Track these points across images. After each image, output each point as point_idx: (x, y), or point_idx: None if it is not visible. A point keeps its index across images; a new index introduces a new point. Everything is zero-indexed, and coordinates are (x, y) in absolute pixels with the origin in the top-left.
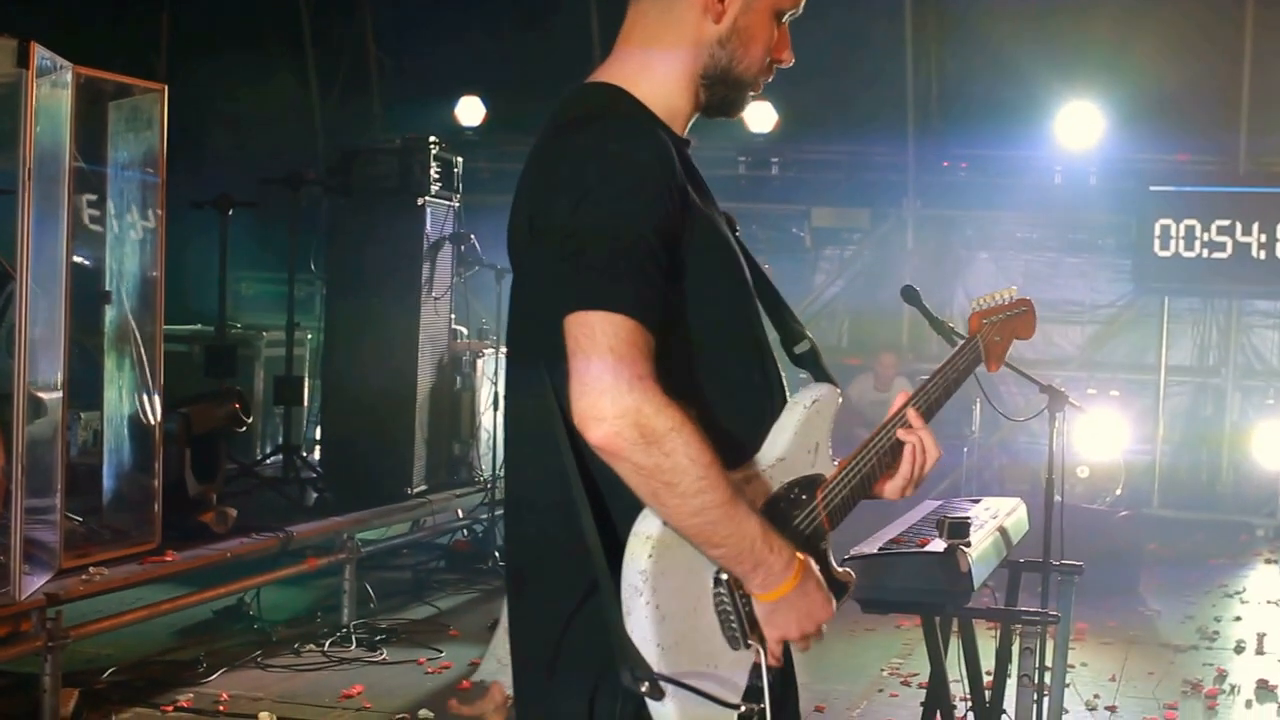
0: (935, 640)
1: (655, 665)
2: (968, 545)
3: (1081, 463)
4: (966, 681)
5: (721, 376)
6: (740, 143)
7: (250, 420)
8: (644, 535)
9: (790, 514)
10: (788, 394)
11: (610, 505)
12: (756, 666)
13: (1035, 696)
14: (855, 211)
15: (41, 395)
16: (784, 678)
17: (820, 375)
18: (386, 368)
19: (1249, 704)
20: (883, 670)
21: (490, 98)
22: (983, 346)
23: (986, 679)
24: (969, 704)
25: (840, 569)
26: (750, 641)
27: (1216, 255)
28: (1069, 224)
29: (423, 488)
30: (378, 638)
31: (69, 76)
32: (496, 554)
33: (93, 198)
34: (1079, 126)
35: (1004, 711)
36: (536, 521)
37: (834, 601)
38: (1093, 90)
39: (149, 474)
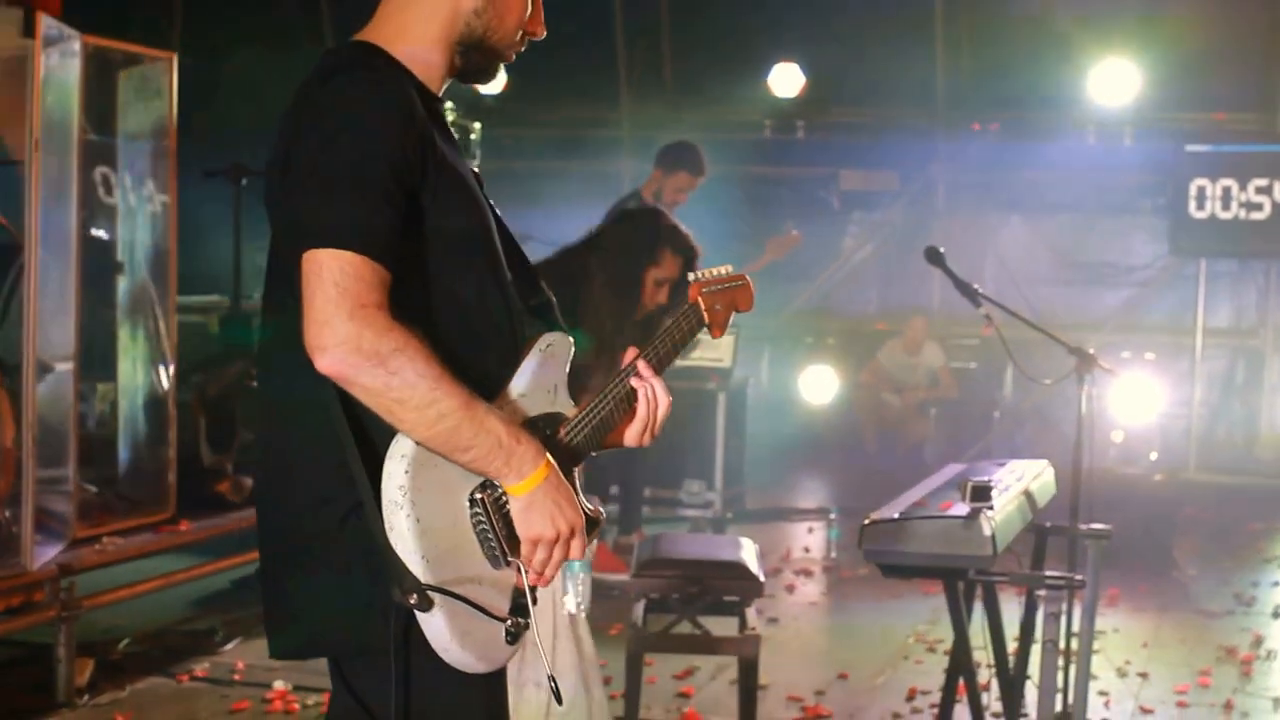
0: (958, 606)
1: (421, 577)
2: (991, 509)
3: (1117, 426)
4: (990, 648)
5: (464, 314)
6: (767, 106)
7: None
8: (399, 455)
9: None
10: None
11: (372, 434)
12: (519, 586)
13: (1062, 663)
14: (884, 174)
15: (56, 364)
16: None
17: (553, 325)
18: None
19: None
20: (909, 637)
21: (511, 66)
22: (705, 311)
23: (1012, 645)
24: (993, 670)
25: (590, 507)
26: (510, 559)
27: (1254, 216)
28: (1103, 185)
29: None
30: None
31: (77, 46)
32: None
33: (106, 170)
34: (1113, 85)
35: (1028, 678)
36: (295, 453)
37: (581, 512)
38: (1128, 48)
39: (163, 444)
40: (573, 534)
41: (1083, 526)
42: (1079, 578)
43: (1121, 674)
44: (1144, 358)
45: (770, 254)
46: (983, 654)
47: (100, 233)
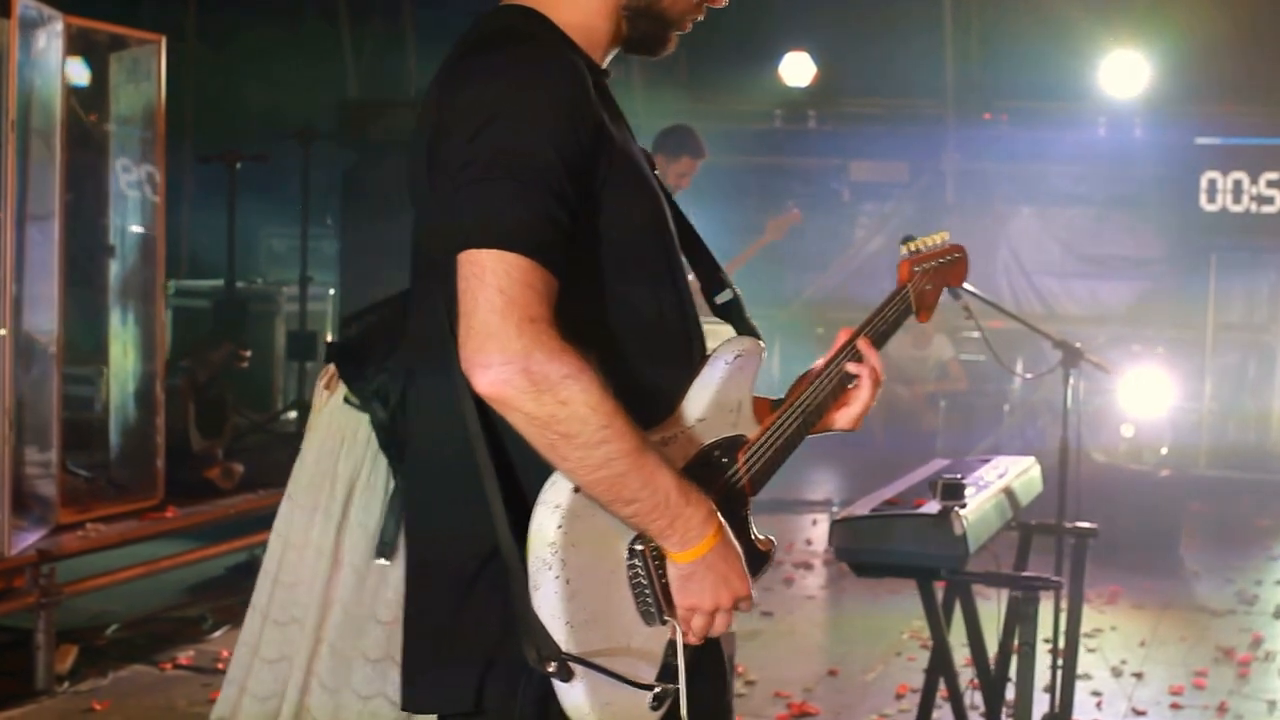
0: (933, 606)
1: (564, 644)
2: (963, 507)
3: (1127, 421)
4: (970, 648)
5: (637, 326)
6: (778, 96)
7: (249, 355)
8: (552, 504)
9: (710, 479)
10: (708, 348)
11: (519, 471)
12: (672, 644)
13: (1054, 663)
14: (894, 165)
15: (38, 346)
16: (710, 657)
17: (743, 328)
18: None
19: None
20: (903, 633)
21: None
22: (913, 296)
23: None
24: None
25: (762, 538)
26: (666, 617)
27: (1265, 209)
28: (1114, 178)
29: None
30: None
31: (60, 27)
32: None
33: (128, 162)
34: (1124, 76)
35: (1009, 679)
36: (435, 484)
37: (750, 578)
38: (1138, 39)
39: (153, 429)
40: (733, 604)
41: (1068, 524)
42: (1055, 578)
43: (1116, 674)
44: (1154, 352)
45: (770, 234)
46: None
47: (137, 228)
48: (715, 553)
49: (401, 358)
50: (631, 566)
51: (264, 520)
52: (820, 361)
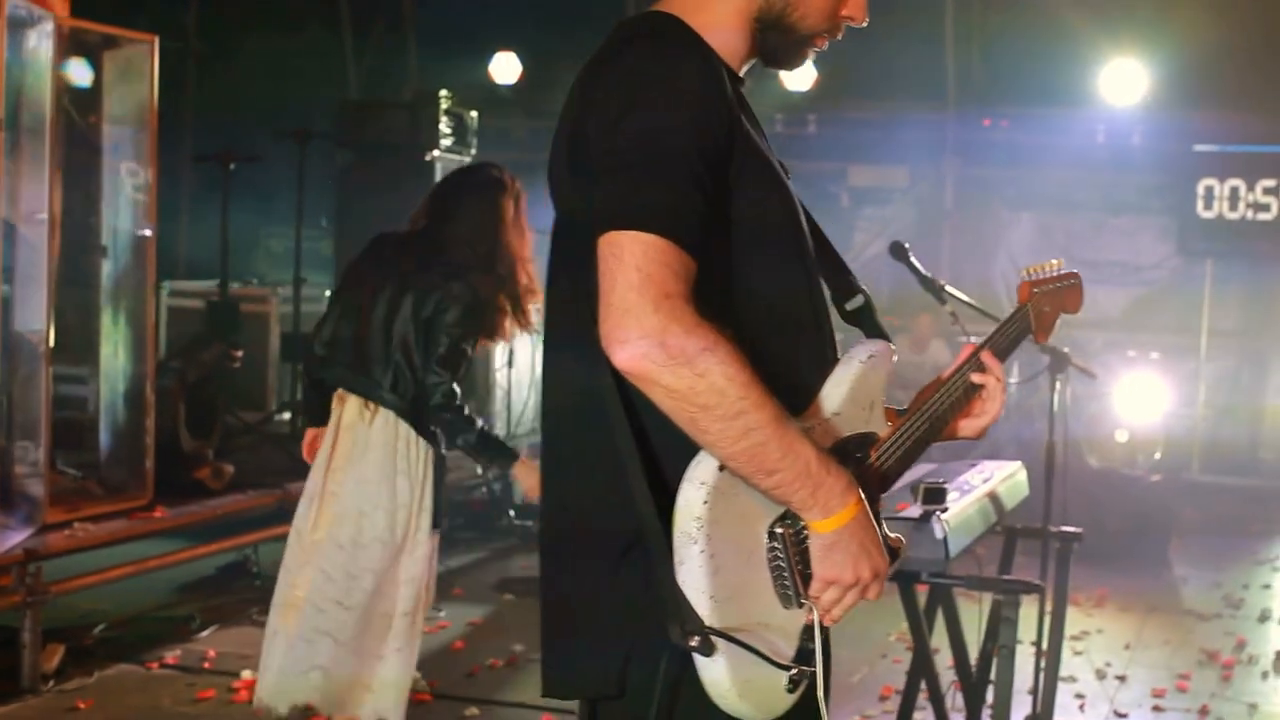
0: (914, 609)
1: (707, 619)
2: (944, 511)
3: (1121, 426)
4: (951, 651)
5: (777, 320)
6: (778, 100)
7: (240, 355)
8: (698, 480)
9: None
10: (839, 350)
11: (659, 455)
12: (808, 627)
13: (1037, 665)
14: (893, 170)
15: (28, 345)
16: (826, 645)
17: (874, 331)
18: None
19: (1265, 675)
20: (890, 635)
21: (526, 58)
22: (1032, 315)
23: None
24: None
25: (892, 535)
26: (804, 600)
27: (1261, 217)
28: (1112, 184)
29: None
30: None
31: (50, 26)
32: (512, 512)
33: (134, 165)
34: (1123, 83)
35: (990, 681)
36: (577, 471)
37: (886, 557)
38: (1137, 47)
39: (143, 429)
40: (873, 579)
41: (1053, 528)
42: (1036, 582)
43: (1100, 676)
44: (1149, 357)
45: None
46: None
47: (130, 228)
48: (857, 521)
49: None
50: (771, 549)
51: (254, 521)
52: (945, 373)
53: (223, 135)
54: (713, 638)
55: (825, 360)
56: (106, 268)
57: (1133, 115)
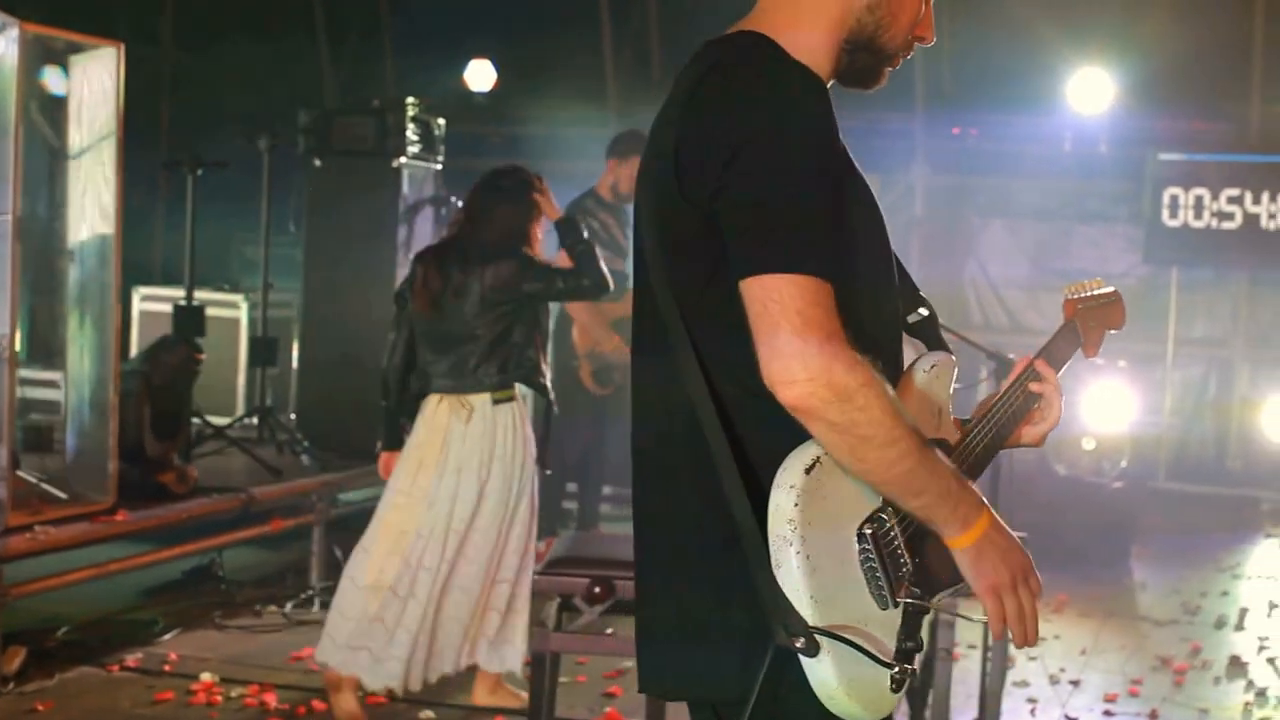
0: None
1: (810, 619)
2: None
3: (1088, 434)
4: None
5: (873, 333)
6: None
7: (203, 359)
8: (787, 485)
9: None
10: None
11: (755, 465)
12: (904, 629)
13: (983, 670)
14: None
15: None
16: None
17: (936, 344)
18: (361, 329)
19: (1217, 680)
20: None
21: (499, 63)
22: (1080, 329)
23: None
24: None
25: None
26: (899, 599)
27: (1225, 225)
28: (1080, 192)
29: None
30: None
31: (15, 33)
32: None
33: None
34: (1090, 92)
35: (931, 686)
36: (676, 482)
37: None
38: (1104, 56)
39: (106, 433)
40: (1025, 572)
41: None
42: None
43: (1054, 681)
44: (1116, 365)
45: None
46: None
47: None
48: (993, 527)
49: None
50: (863, 550)
51: (218, 524)
52: (1004, 384)
53: (198, 141)
54: (817, 637)
55: (899, 376)
56: (73, 273)
57: (1099, 123)
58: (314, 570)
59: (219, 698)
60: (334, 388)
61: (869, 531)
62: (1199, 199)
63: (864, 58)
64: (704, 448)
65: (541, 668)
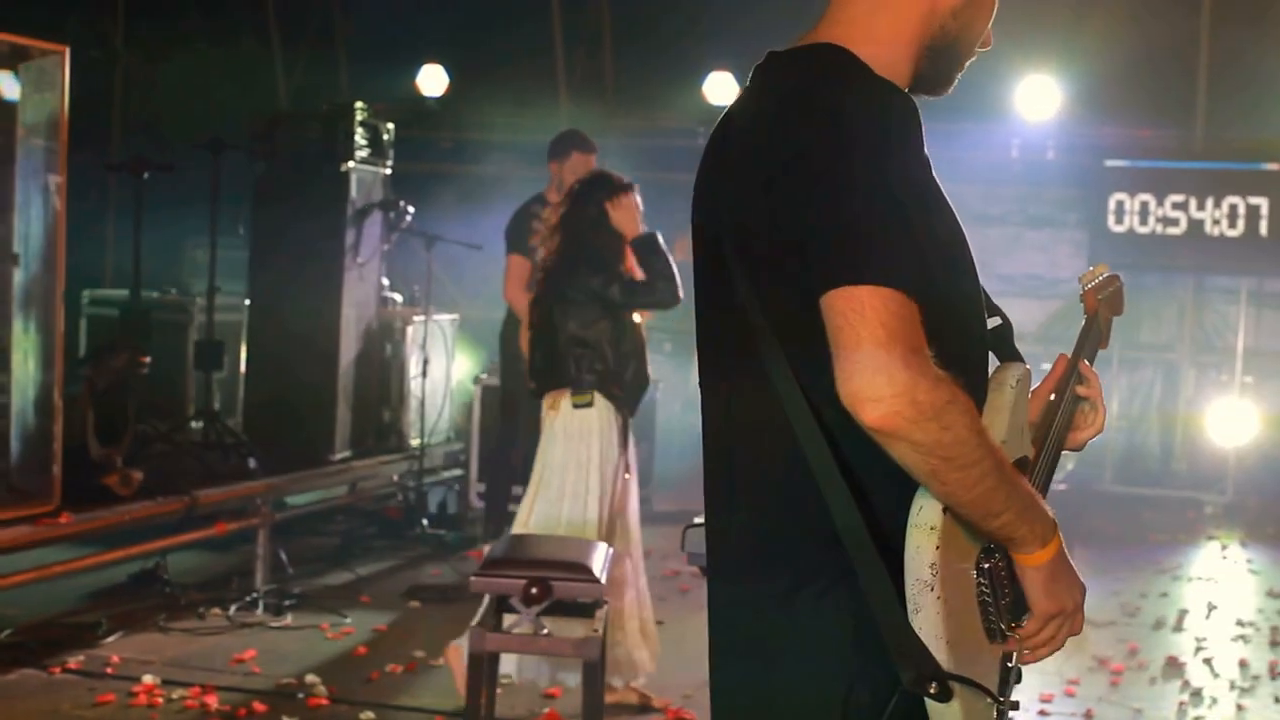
0: None
1: (945, 663)
2: None
3: None
4: None
5: (951, 352)
6: (700, 113)
7: (148, 363)
8: (928, 526)
9: None
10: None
11: (868, 493)
12: (1004, 659)
13: None
14: None
15: None
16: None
17: (1011, 353)
18: (309, 333)
19: (1153, 681)
20: None
21: (453, 69)
22: (1102, 324)
23: None
24: None
25: None
26: (1009, 633)
27: (1171, 231)
28: (1028, 198)
29: (347, 454)
30: (286, 603)
31: None
32: (425, 521)
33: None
34: (1037, 99)
35: None
36: (760, 508)
37: None
38: (1051, 63)
39: (50, 436)
40: (1079, 607)
41: None
42: None
43: None
44: None
45: (679, 254)
46: None
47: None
48: (1062, 551)
49: None
50: (980, 585)
51: (163, 527)
52: (1047, 385)
53: (149, 145)
54: (950, 683)
55: (985, 390)
56: (18, 276)
57: (1047, 130)
58: (259, 573)
59: (160, 700)
60: (281, 391)
61: (988, 565)
62: (1145, 205)
63: (944, 63)
64: (799, 468)
65: (478, 667)
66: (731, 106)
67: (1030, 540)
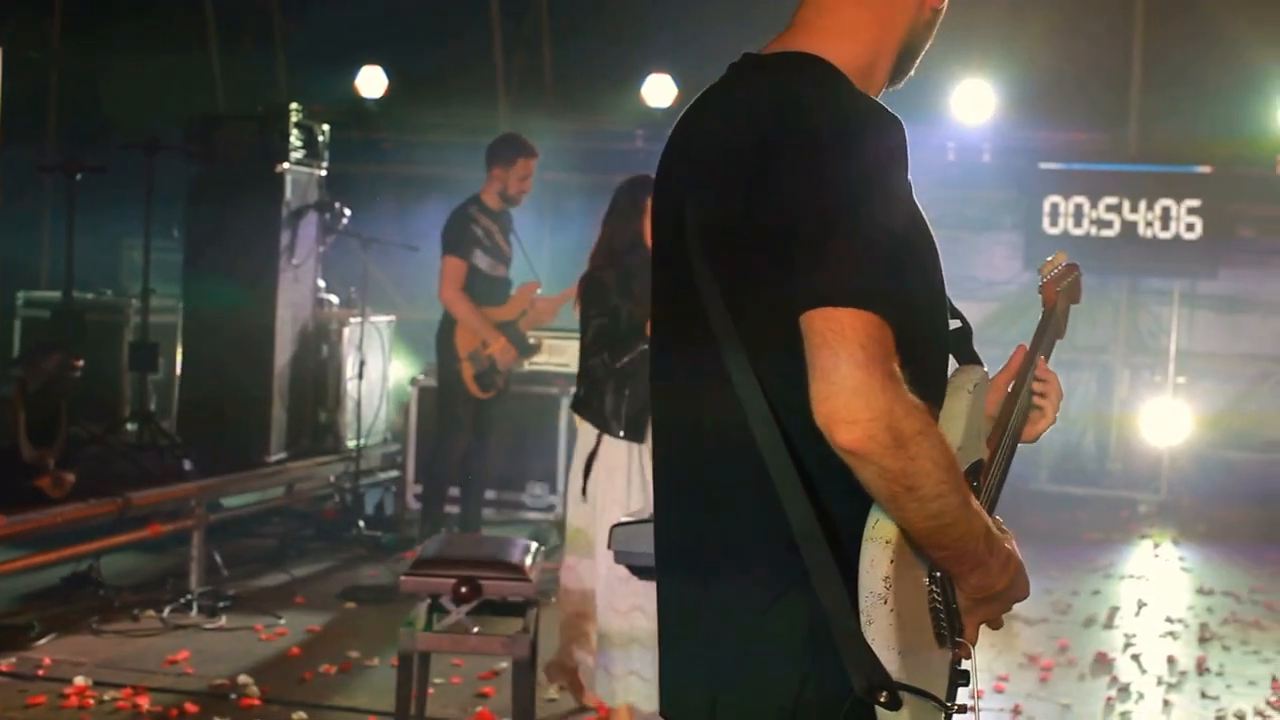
0: None
1: (894, 673)
2: None
3: None
4: None
5: (924, 364)
6: (639, 116)
7: (80, 365)
8: (883, 540)
9: None
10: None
11: (825, 502)
12: (954, 661)
13: None
14: None
15: None
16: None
17: (969, 356)
18: (244, 335)
19: (1082, 677)
20: None
21: (393, 70)
22: (1059, 314)
23: None
24: None
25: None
26: (959, 639)
27: (1104, 233)
28: (964, 200)
29: (282, 455)
30: (220, 604)
31: None
32: (362, 523)
33: None
34: (973, 103)
35: None
36: (717, 510)
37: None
38: (986, 68)
39: None
40: (1002, 614)
41: None
42: None
43: None
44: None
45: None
46: None
47: None
48: (1005, 591)
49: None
50: (931, 592)
51: (96, 529)
52: (1005, 376)
53: (86, 146)
54: (900, 693)
55: (943, 395)
56: None
57: (982, 133)
58: (193, 575)
59: (91, 701)
60: (216, 393)
61: (940, 574)
62: (1079, 207)
63: (908, 62)
64: (765, 481)
65: (408, 667)
66: (697, 103)
67: (967, 578)
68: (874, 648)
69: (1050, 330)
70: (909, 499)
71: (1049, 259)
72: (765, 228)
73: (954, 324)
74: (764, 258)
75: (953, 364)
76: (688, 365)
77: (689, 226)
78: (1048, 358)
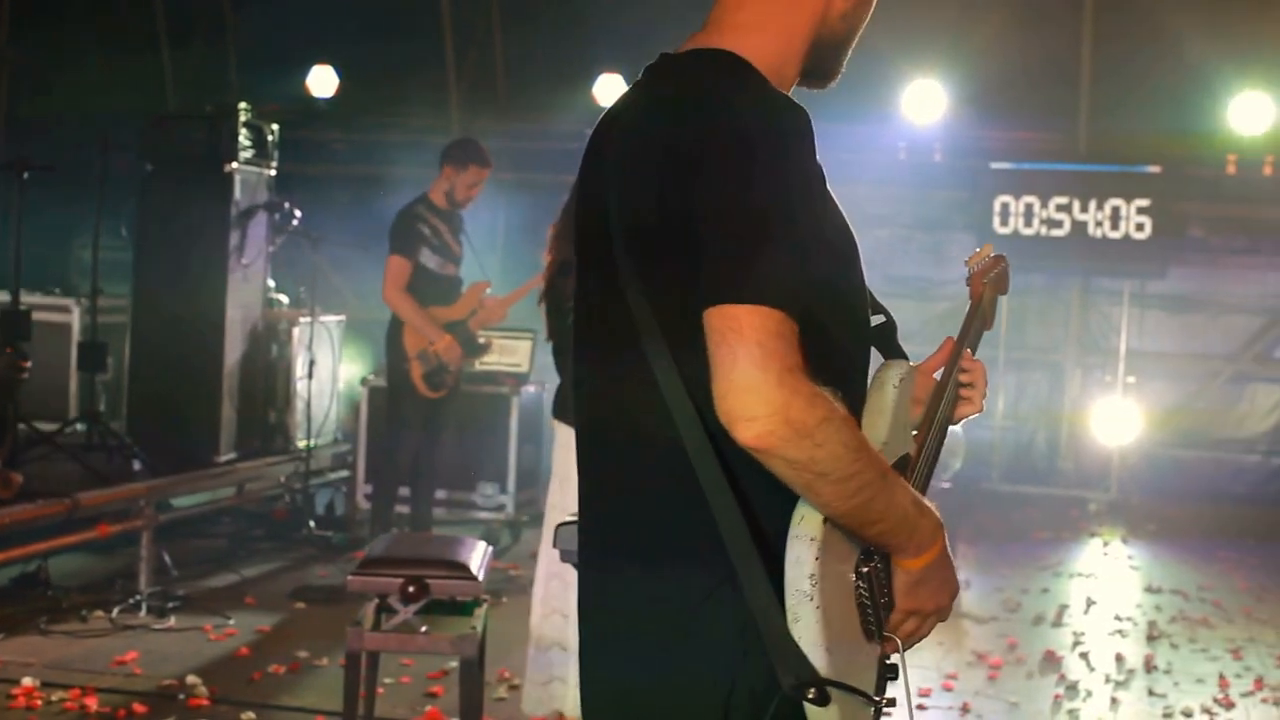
0: None
1: (822, 670)
2: None
3: None
4: None
5: (832, 356)
6: (591, 115)
7: (28, 366)
8: (808, 538)
9: None
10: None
11: (751, 499)
12: (883, 656)
13: None
14: None
15: None
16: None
17: (894, 351)
18: (193, 335)
19: (1030, 675)
20: None
21: (345, 70)
22: (986, 307)
23: None
24: None
25: None
26: (887, 633)
27: (1055, 233)
28: (916, 200)
29: (232, 455)
30: (170, 605)
31: None
32: (312, 523)
33: None
34: (924, 103)
35: None
36: (643, 508)
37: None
38: (937, 68)
39: None
40: (948, 606)
41: None
42: None
43: None
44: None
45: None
46: None
47: None
48: (943, 556)
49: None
50: (858, 588)
51: (44, 530)
52: (933, 363)
53: (38, 145)
54: (828, 689)
55: (864, 392)
56: None
57: (933, 133)
58: (142, 575)
59: (39, 702)
60: (165, 393)
61: (866, 570)
62: (1029, 207)
63: (829, 59)
64: (691, 482)
65: (355, 667)
66: (618, 102)
67: (906, 548)
68: (801, 645)
69: (977, 321)
70: (824, 484)
71: (977, 250)
72: (678, 226)
73: (878, 319)
74: (680, 256)
75: (878, 359)
76: (613, 364)
77: (611, 226)
78: (975, 349)
